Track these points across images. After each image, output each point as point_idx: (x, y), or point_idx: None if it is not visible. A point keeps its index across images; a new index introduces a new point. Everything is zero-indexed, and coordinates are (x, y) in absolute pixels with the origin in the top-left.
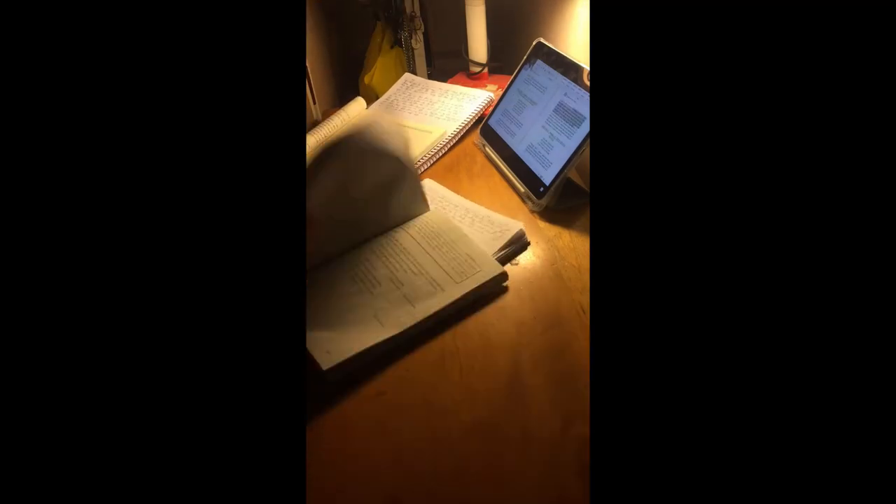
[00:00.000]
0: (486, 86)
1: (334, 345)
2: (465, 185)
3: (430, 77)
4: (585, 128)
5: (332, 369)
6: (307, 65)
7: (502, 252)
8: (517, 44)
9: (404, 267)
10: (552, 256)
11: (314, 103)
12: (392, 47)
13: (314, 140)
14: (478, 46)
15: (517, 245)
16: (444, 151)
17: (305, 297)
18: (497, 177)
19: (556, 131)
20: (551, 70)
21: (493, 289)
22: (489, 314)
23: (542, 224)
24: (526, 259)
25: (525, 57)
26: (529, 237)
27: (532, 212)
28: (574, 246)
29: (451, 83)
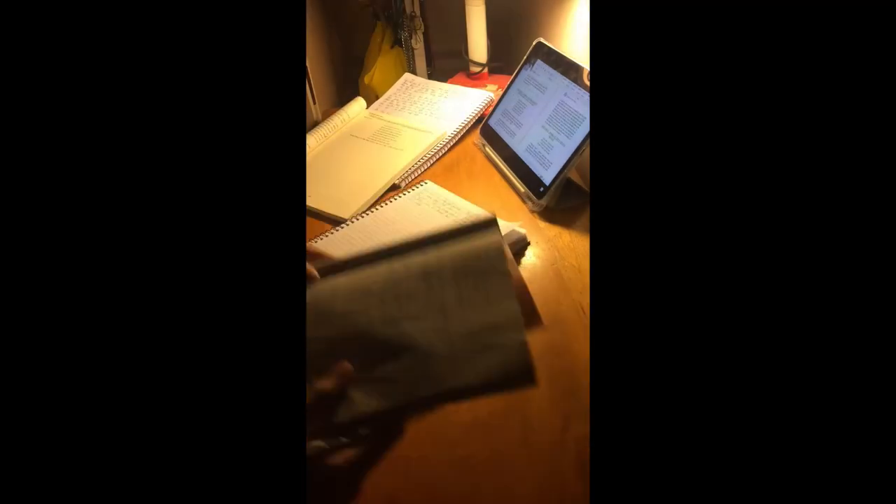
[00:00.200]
0: (486, 86)
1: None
2: (465, 185)
3: (430, 77)
4: (585, 128)
5: None
6: (307, 65)
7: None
8: (517, 44)
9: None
10: (552, 256)
11: (314, 103)
12: (392, 47)
13: (314, 140)
14: (478, 46)
15: (518, 247)
16: (444, 151)
17: (305, 296)
18: (497, 177)
19: (556, 131)
20: (551, 70)
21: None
22: None
23: (542, 224)
24: (526, 259)
25: (525, 57)
26: (529, 237)
27: (532, 212)
28: (574, 246)
29: (451, 83)
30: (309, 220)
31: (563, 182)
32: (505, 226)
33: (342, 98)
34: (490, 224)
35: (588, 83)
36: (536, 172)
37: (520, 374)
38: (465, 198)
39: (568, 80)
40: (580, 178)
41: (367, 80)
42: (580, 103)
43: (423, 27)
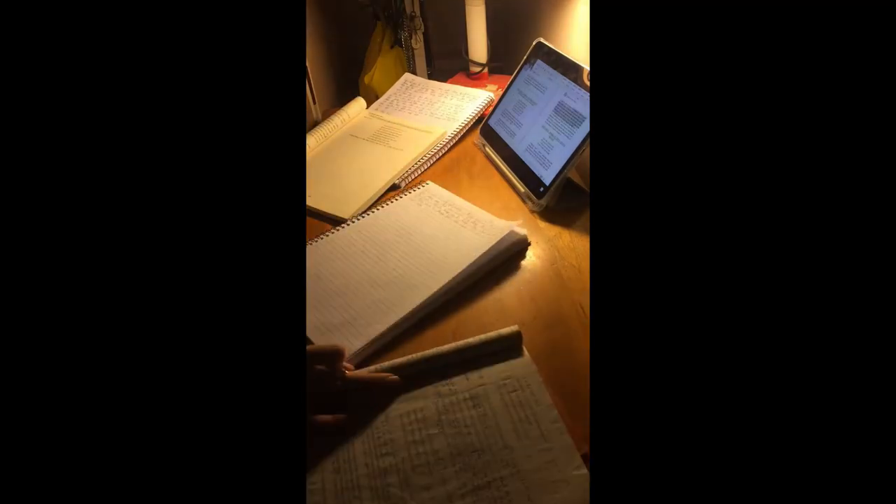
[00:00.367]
0: (486, 86)
1: None
2: (465, 185)
3: (430, 77)
4: (585, 128)
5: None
6: (307, 65)
7: (503, 255)
8: (517, 44)
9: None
10: (552, 256)
11: (314, 103)
12: (392, 47)
13: (314, 140)
14: (478, 46)
15: (518, 247)
16: (444, 152)
17: (305, 296)
18: (497, 177)
19: (556, 131)
20: (551, 70)
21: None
22: (490, 314)
23: (542, 224)
24: (526, 259)
25: (525, 57)
26: (529, 237)
27: (532, 212)
28: (574, 246)
29: (451, 83)
30: (309, 220)
31: (563, 182)
32: (505, 225)
33: (342, 98)
34: (516, 342)
35: (588, 83)
36: (536, 172)
37: None
38: (465, 198)
39: (568, 80)
40: (580, 178)
41: (367, 80)
42: (580, 103)
43: (423, 27)
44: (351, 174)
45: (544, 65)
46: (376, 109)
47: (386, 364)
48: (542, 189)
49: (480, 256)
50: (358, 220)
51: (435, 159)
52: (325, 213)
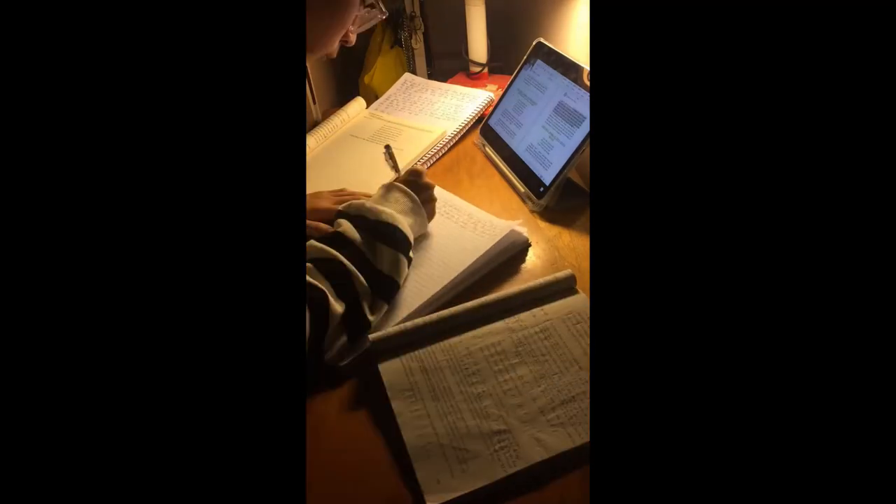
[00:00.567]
0: (486, 86)
1: (445, 477)
2: (465, 185)
3: (430, 77)
4: (585, 128)
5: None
6: (307, 65)
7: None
8: (517, 44)
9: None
10: (552, 256)
11: (314, 103)
12: (392, 47)
13: (314, 140)
14: (478, 46)
15: (519, 248)
16: (444, 151)
17: (305, 296)
18: (497, 177)
19: (556, 131)
20: (551, 70)
21: None
22: None
23: (542, 224)
24: (526, 259)
25: (525, 57)
26: (529, 237)
27: (532, 212)
28: (574, 246)
29: (451, 83)
30: None
31: (563, 182)
32: (505, 225)
33: (342, 98)
34: (571, 283)
35: (588, 83)
36: (536, 172)
37: None
38: (465, 198)
39: (568, 80)
40: (580, 178)
41: (367, 80)
42: (580, 103)
43: (423, 27)
44: (351, 174)
45: (544, 65)
46: (376, 109)
47: (458, 307)
48: (542, 189)
49: (481, 257)
50: None
51: (435, 159)
52: None
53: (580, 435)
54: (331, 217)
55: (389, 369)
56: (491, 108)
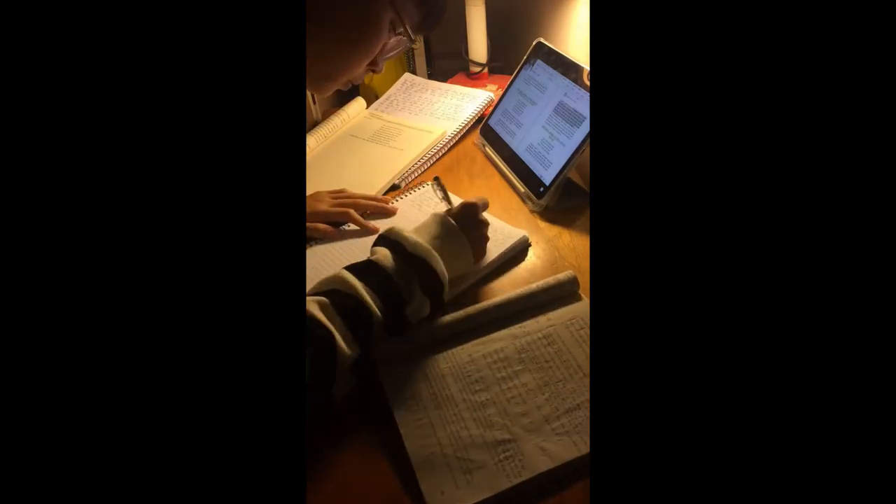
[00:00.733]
0: (486, 86)
1: (449, 488)
2: (465, 185)
3: (430, 77)
4: (585, 128)
5: None
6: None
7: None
8: (517, 44)
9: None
10: (552, 256)
11: (314, 103)
12: None
13: (314, 140)
14: (478, 46)
15: (519, 248)
16: (444, 151)
17: (305, 296)
18: (497, 177)
19: (556, 131)
20: (551, 70)
21: None
22: None
23: (542, 224)
24: (526, 259)
25: (525, 57)
26: (529, 237)
27: (532, 212)
28: (574, 246)
29: (451, 83)
30: None
31: (563, 182)
32: (510, 231)
33: (342, 98)
34: (574, 287)
35: (588, 83)
36: (536, 172)
37: None
38: (465, 198)
39: (568, 80)
40: (580, 178)
41: (367, 80)
42: (580, 103)
43: None
44: (351, 174)
45: (544, 65)
46: (376, 109)
47: (461, 313)
48: (542, 189)
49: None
50: None
51: (435, 159)
52: None
53: (586, 444)
54: (329, 218)
55: (391, 378)
56: (491, 108)
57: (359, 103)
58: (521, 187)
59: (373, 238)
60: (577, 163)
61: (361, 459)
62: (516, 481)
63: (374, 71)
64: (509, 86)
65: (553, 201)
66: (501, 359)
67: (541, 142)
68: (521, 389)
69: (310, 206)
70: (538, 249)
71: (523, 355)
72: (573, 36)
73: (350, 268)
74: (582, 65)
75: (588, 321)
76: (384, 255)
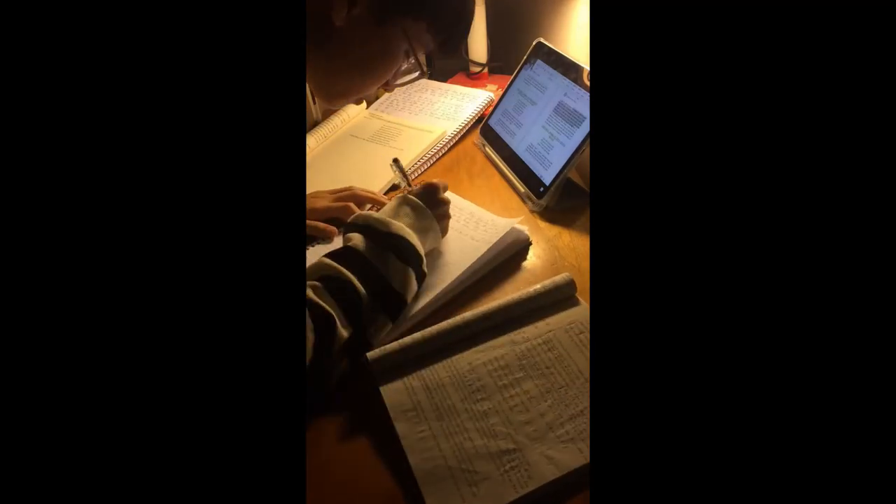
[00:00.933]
0: (486, 86)
1: (455, 501)
2: (465, 185)
3: (430, 77)
4: (585, 128)
5: None
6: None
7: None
8: (517, 44)
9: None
10: (552, 256)
11: (314, 103)
12: None
13: (314, 140)
14: (478, 46)
15: (519, 246)
16: (444, 151)
17: (305, 296)
18: (497, 177)
19: (556, 131)
20: (551, 70)
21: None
22: None
23: (542, 224)
24: (526, 259)
25: (525, 57)
26: (529, 237)
27: (532, 212)
28: (574, 246)
29: (451, 83)
30: None
31: (563, 182)
32: (506, 223)
33: None
34: (571, 290)
35: (588, 83)
36: (536, 172)
37: None
38: (466, 198)
39: (568, 80)
40: (580, 178)
41: None
42: (580, 103)
43: None
44: (351, 174)
45: (544, 65)
46: (376, 109)
47: (458, 319)
48: (542, 189)
49: (482, 256)
50: None
51: (435, 159)
52: None
53: None
54: (329, 216)
55: (390, 390)
56: (491, 108)
57: (359, 103)
58: (521, 187)
59: None
60: (577, 163)
61: (362, 474)
62: (524, 492)
63: (385, 90)
64: (509, 86)
65: (553, 201)
66: (502, 366)
67: (541, 142)
68: (524, 397)
69: (309, 203)
70: (538, 249)
71: (524, 362)
72: (573, 36)
73: (329, 255)
74: (582, 65)
75: (587, 325)
76: (358, 239)
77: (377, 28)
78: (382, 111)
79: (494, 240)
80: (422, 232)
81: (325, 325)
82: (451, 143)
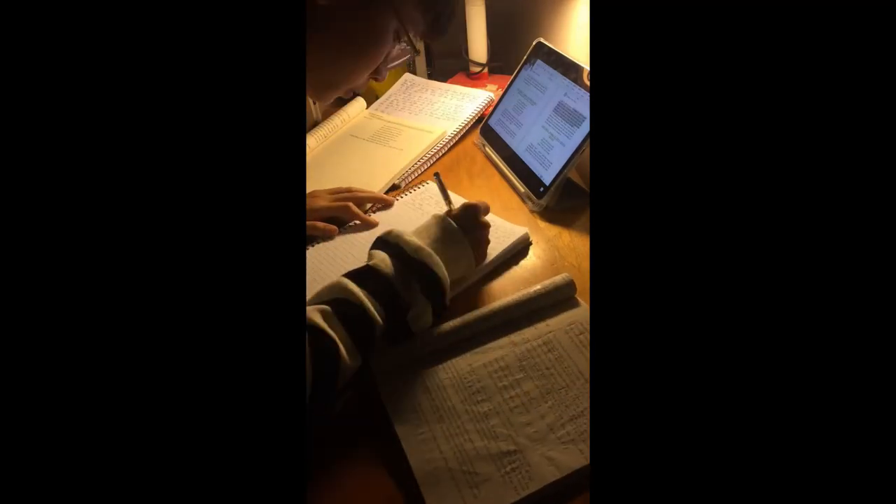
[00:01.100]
0: (486, 86)
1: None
2: (465, 185)
3: (430, 77)
4: (585, 128)
5: None
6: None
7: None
8: (517, 44)
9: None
10: (552, 256)
11: (314, 103)
12: None
13: (314, 140)
14: (478, 46)
15: (520, 246)
16: (444, 151)
17: (305, 299)
18: (497, 177)
19: (556, 131)
20: (551, 70)
21: None
22: None
23: (542, 224)
24: (526, 259)
25: (525, 57)
26: (530, 237)
27: (532, 212)
28: (574, 246)
29: (451, 83)
30: None
31: (563, 182)
32: (512, 229)
33: (342, 99)
34: (571, 291)
35: (588, 83)
36: (536, 172)
37: None
38: (466, 198)
39: (568, 80)
40: (580, 178)
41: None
42: (580, 103)
43: None
44: (351, 174)
45: (544, 65)
46: (376, 109)
47: (458, 321)
48: (542, 189)
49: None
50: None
51: (435, 159)
52: None
53: None
54: (329, 214)
55: (390, 391)
56: (491, 108)
57: (359, 103)
58: (521, 187)
59: (374, 233)
60: (577, 163)
61: (363, 476)
62: (525, 493)
63: (376, 79)
64: (509, 86)
65: (553, 201)
66: (502, 367)
67: (541, 142)
68: (524, 398)
69: (308, 203)
70: (538, 249)
71: (524, 363)
72: (573, 36)
73: (349, 275)
74: (582, 65)
75: (587, 326)
76: (383, 259)
77: (364, 3)
78: (382, 111)
79: (501, 248)
80: (453, 262)
81: (326, 355)
82: (451, 143)
